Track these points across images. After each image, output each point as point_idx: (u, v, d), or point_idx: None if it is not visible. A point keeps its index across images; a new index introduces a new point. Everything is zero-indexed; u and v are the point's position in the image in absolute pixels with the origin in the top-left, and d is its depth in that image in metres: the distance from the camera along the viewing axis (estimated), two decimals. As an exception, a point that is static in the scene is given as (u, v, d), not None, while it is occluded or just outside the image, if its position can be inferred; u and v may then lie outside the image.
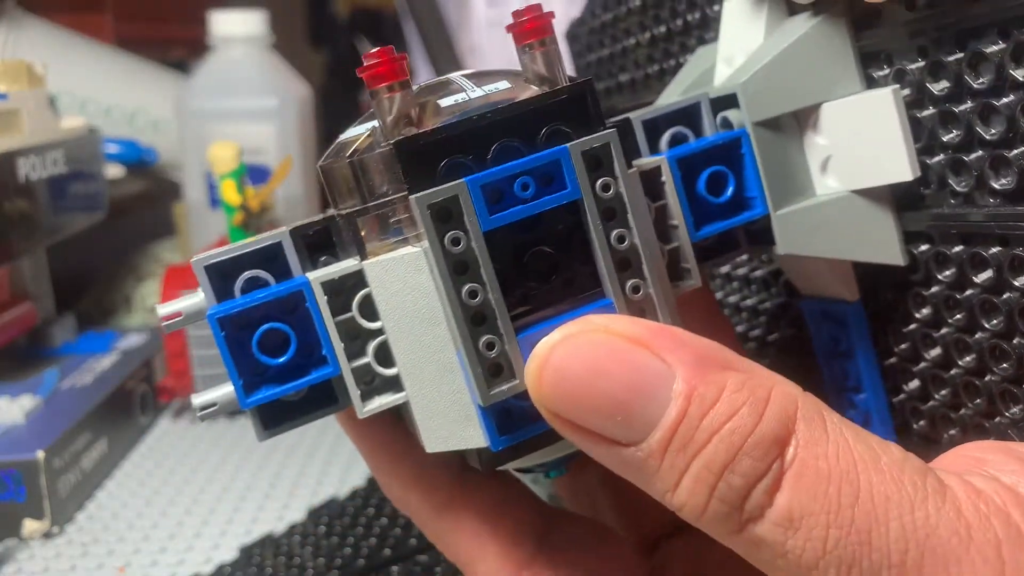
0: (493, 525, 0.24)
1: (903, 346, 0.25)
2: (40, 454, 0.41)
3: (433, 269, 0.19)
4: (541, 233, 0.20)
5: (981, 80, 0.21)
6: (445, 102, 0.21)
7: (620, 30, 0.37)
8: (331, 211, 0.22)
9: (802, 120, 0.24)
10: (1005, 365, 0.22)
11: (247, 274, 0.21)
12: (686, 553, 0.27)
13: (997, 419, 0.23)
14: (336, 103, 1.11)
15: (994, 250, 0.22)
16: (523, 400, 0.20)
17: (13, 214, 0.50)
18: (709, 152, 0.23)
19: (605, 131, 0.20)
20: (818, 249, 0.24)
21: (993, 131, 0.21)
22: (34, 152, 0.52)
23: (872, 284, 0.26)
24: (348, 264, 0.21)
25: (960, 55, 0.21)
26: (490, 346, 0.19)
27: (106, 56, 0.79)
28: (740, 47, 0.26)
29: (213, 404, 0.21)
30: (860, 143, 0.23)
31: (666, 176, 0.22)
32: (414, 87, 0.20)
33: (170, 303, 0.21)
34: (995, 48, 0.21)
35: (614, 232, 0.20)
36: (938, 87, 0.22)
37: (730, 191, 0.23)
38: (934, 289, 0.24)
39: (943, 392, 0.24)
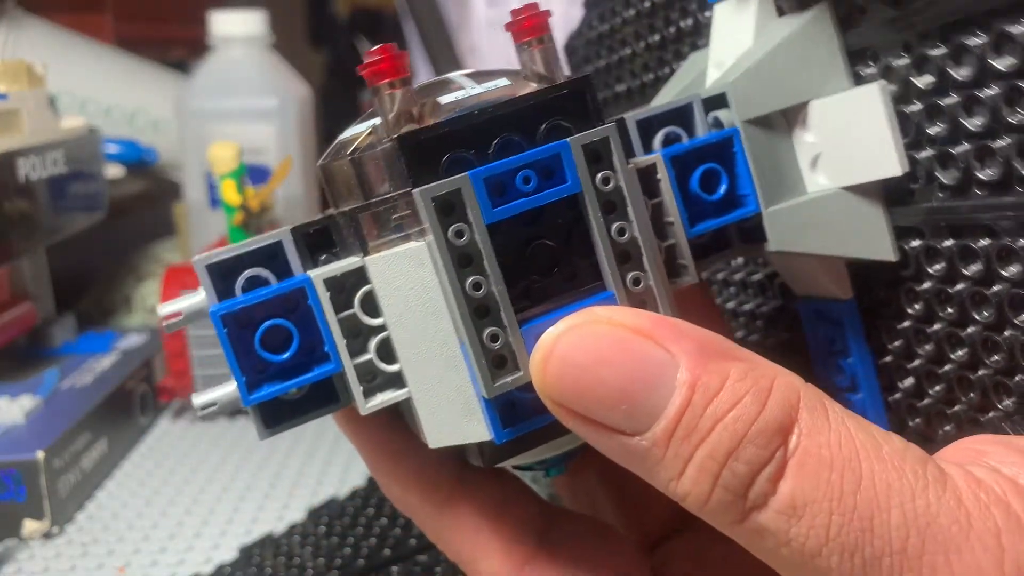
0: (494, 522, 0.24)
1: (897, 343, 0.25)
2: (40, 454, 0.41)
3: (437, 262, 0.19)
4: (543, 226, 0.20)
5: (964, 72, 0.21)
6: (445, 99, 0.21)
7: (616, 41, 0.37)
8: (331, 211, 0.22)
9: (791, 118, 0.24)
10: (997, 357, 0.22)
11: (248, 273, 0.21)
12: (687, 551, 0.27)
13: (991, 413, 0.23)
14: (336, 103, 1.11)
15: (983, 242, 0.22)
16: (527, 392, 0.20)
17: (13, 214, 0.50)
18: (702, 150, 0.23)
19: (604, 125, 0.20)
20: (809, 246, 0.24)
21: (977, 122, 0.21)
22: (34, 152, 0.52)
23: (865, 282, 0.26)
24: (350, 261, 0.21)
25: (944, 49, 0.22)
26: (494, 338, 0.19)
27: (106, 56, 0.79)
28: (730, 51, 0.26)
29: (213, 403, 0.21)
30: (849, 139, 0.23)
31: (661, 173, 0.22)
32: (414, 86, 0.20)
33: (171, 303, 0.21)
34: (977, 41, 0.21)
35: (614, 225, 0.20)
36: (923, 81, 0.22)
37: (723, 188, 0.24)
38: (926, 284, 0.24)
39: (937, 388, 0.25)
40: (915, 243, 0.24)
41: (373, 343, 0.21)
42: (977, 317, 0.22)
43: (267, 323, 0.20)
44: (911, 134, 0.23)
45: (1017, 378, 0.22)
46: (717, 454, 0.17)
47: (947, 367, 0.24)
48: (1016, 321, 0.21)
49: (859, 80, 0.24)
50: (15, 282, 0.56)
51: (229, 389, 0.21)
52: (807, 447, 0.17)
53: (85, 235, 0.61)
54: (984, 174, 0.21)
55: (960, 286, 0.23)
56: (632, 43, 0.36)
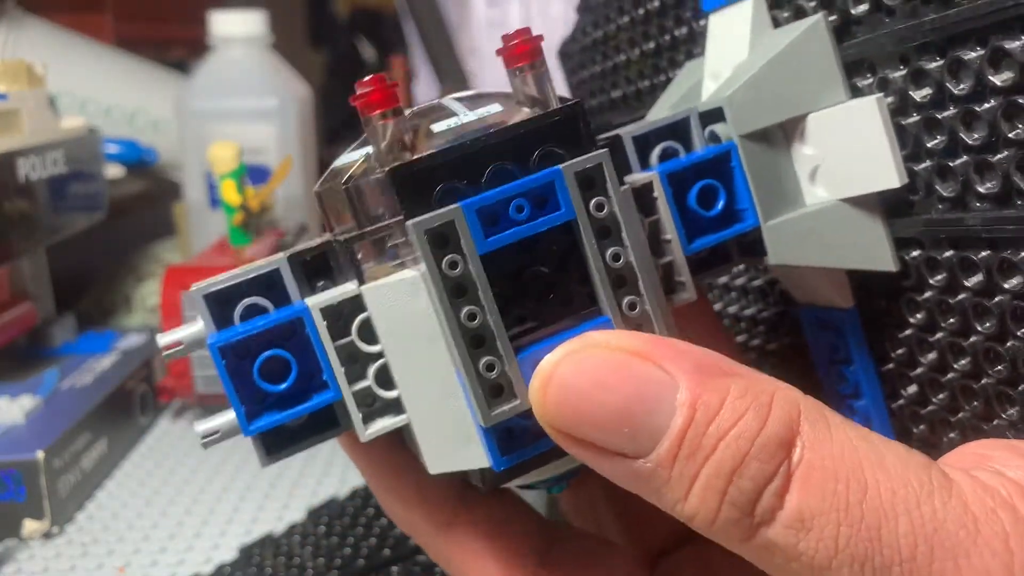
0: (494, 543, 0.24)
1: (899, 351, 0.25)
2: (40, 454, 0.41)
3: (431, 293, 0.19)
4: (537, 254, 0.20)
5: (962, 87, 0.21)
6: (438, 127, 0.21)
7: (611, 47, 0.37)
8: (328, 235, 0.22)
9: (789, 131, 0.24)
10: (999, 367, 0.22)
11: (246, 301, 0.21)
12: (692, 563, 0.27)
13: (995, 421, 0.23)
14: (336, 103, 1.11)
15: (983, 254, 0.22)
16: (525, 419, 0.20)
17: (13, 214, 0.50)
18: (699, 166, 0.23)
19: (597, 151, 0.20)
20: (810, 258, 0.24)
21: (976, 136, 0.21)
22: (34, 152, 0.52)
23: (866, 291, 0.26)
24: (346, 289, 0.21)
25: (940, 62, 0.22)
26: (490, 367, 0.19)
27: (106, 56, 0.79)
28: (726, 61, 0.26)
29: (216, 431, 0.21)
30: (847, 152, 0.23)
31: (658, 192, 0.22)
32: (406, 112, 0.20)
33: (170, 333, 0.21)
34: (973, 55, 0.21)
35: (609, 250, 0.20)
36: (920, 94, 0.22)
37: (720, 204, 0.23)
38: (927, 294, 0.24)
39: (940, 396, 0.24)
40: (915, 253, 0.24)
41: (371, 370, 0.21)
42: (979, 328, 0.22)
43: (265, 354, 0.20)
44: (909, 146, 0.23)
45: (1021, 388, 0.22)
46: (722, 471, 0.17)
47: (950, 375, 0.24)
48: (1018, 333, 0.21)
49: (856, 92, 0.24)
50: (15, 282, 0.56)
51: (231, 417, 0.21)
52: (810, 460, 0.17)
53: (85, 235, 0.61)
54: (983, 187, 0.21)
55: (961, 296, 0.23)
56: (627, 50, 0.35)
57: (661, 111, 0.27)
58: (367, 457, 0.24)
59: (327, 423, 0.21)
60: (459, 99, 0.22)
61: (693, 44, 0.31)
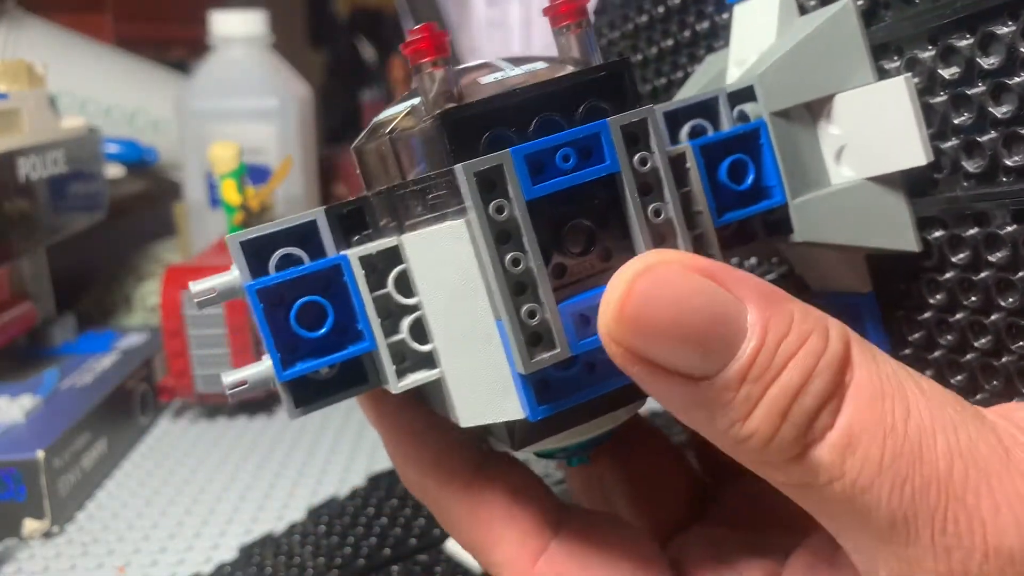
0: (510, 511, 0.24)
1: (917, 335, 0.26)
2: (40, 454, 0.41)
3: (477, 238, 0.19)
4: (578, 206, 0.21)
5: (992, 61, 0.22)
6: (485, 79, 0.21)
7: (628, 47, 0.37)
8: (364, 193, 0.22)
9: (816, 111, 0.25)
10: (1022, 343, 0.23)
11: (282, 251, 0.21)
12: (703, 540, 0.27)
13: (1015, 399, 0.23)
14: (336, 103, 1.11)
15: (1009, 228, 0.22)
16: (561, 370, 0.20)
17: (13, 214, 0.50)
18: (729, 142, 0.24)
19: (643, 108, 0.20)
20: (835, 236, 0.24)
21: (1005, 109, 0.22)
22: (34, 152, 0.52)
23: (884, 275, 0.26)
24: (385, 241, 0.21)
25: (971, 39, 0.22)
26: (531, 314, 0.19)
27: (106, 56, 0.79)
28: (752, 49, 0.26)
29: (244, 382, 0.21)
30: (874, 131, 0.24)
31: (691, 163, 0.22)
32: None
33: (203, 280, 0.21)
34: (1006, 30, 0.21)
35: (651, 206, 0.20)
36: (949, 72, 0.23)
37: (750, 179, 0.24)
38: (948, 274, 0.24)
39: (959, 377, 0.25)
40: (938, 233, 0.24)
41: (406, 323, 0.21)
42: (1002, 303, 0.23)
43: (303, 299, 0.20)
44: (935, 124, 0.23)
45: None
46: (789, 390, 0.18)
47: (969, 356, 0.24)
48: None
49: (883, 74, 0.24)
50: (15, 282, 0.56)
51: (260, 368, 0.21)
52: (860, 379, 0.18)
53: (85, 235, 0.61)
54: (1012, 160, 0.22)
55: (984, 273, 0.23)
56: (644, 49, 0.36)
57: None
58: (387, 418, 0.24)
59: (355, 379, 0.22)
60: (506, 59, 0.22)
61: (714, 39, 0.32)
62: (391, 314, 0.21)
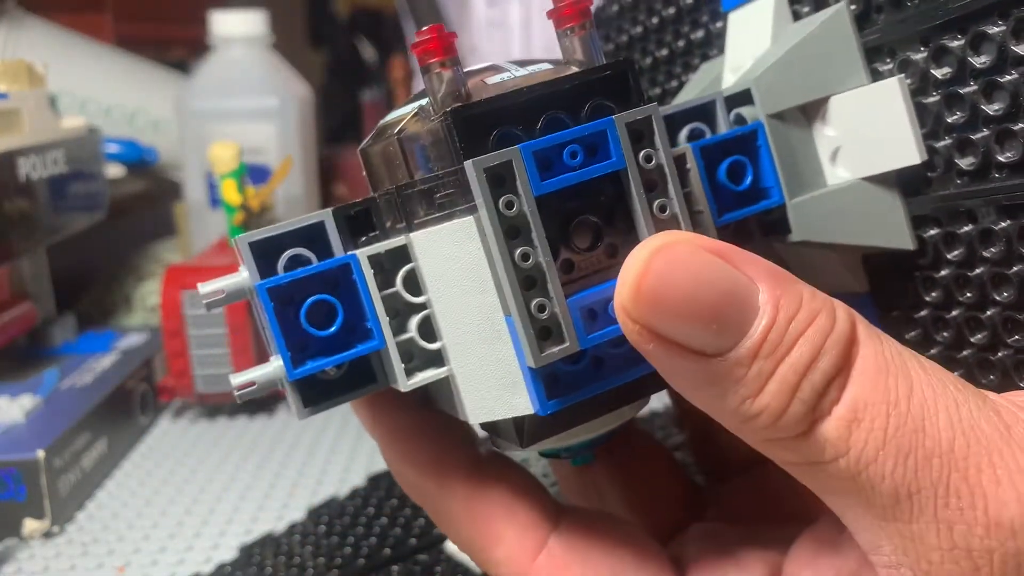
0: (510, 509, 0.24)
1: (913, 333, 0.26)
2: (40, 454, 0.41)
3: (487, 234, 0.20)
4: (585, 203, 0.21)
5: (983, 60, 0.22)
6: (492, 80, 0.22)
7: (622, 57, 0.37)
8: (372, 194, 0.23)
9: (811, 114, 0.25)
10: (1018, 336, 0.23)
11: (290, 252, 0.21)
12: (702, 536, 0.27)
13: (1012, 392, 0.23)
14: (336, 103, 1.11)
15: (1003, 223, 0.23)
16: (570, 365, 0.20)
17: (13, 214, 0.50)
18: (727, 144, 0.24)
19: (647, 106, 0.21)
20: (831, 236, 0.25)
21: (997, 107, 0.22)
22: (34, 152, 0.52)
23: (880, 276, 0.27)
24: (394, 240, 0.21)
25: (962, 40, 0.23)
26: (541, 308, 0.20)
27: (106, 56, 0.79)
28: (747, 55, 0.27)
29: (252, 383, 0.21)
30: (868, 132, 0.24)
31: (691, 163, 0.23)
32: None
33: (211, 282, 0.21)
34: (996, 29, 0.22)
35: (656, 202, 0.21)
36: (941, 72, 0.23)
37: (749, 180, 0.24)
38: (943, 271, 0.24)
39: (957, 373, 0.25)
40: (932, 231, 0.24)
41: (414, 322, 0.21)
42: (998, 298, 0.23)
43: (313, 298, 0.21)
44: (929, 124, 0.24)
45: None
46: (799, 367, 0.18)
47: (966, 351, 0.25)
48: None
49: (877, 76, 0.25)
50: (15, 282, 0.56)
51: (268, 369, 0.21)
52: (866, 356, 0.19)
53: (85, 235, 0.61)
54: (1004, 156, 0.22)
55: (979, 269, 0.23)
56: (639, 60, 0.36)
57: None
58: (382, 423, 0.25)
59: (363, 379, 0.22)
60: (511, 61, 0.23)
61: (708, 47, 0.32)
62: (399, 313, 0.21)
